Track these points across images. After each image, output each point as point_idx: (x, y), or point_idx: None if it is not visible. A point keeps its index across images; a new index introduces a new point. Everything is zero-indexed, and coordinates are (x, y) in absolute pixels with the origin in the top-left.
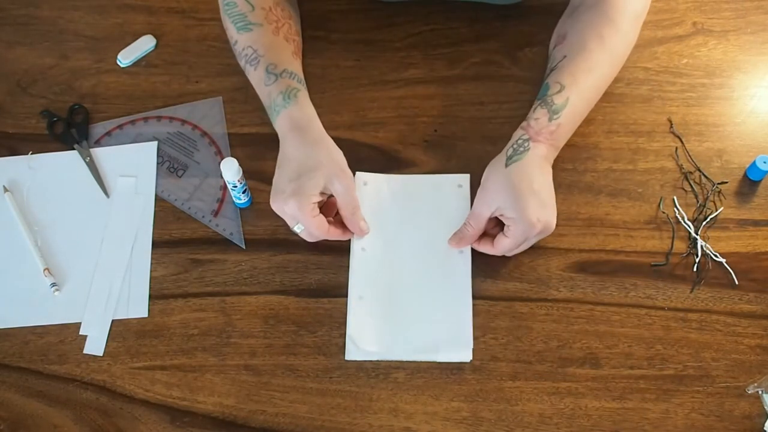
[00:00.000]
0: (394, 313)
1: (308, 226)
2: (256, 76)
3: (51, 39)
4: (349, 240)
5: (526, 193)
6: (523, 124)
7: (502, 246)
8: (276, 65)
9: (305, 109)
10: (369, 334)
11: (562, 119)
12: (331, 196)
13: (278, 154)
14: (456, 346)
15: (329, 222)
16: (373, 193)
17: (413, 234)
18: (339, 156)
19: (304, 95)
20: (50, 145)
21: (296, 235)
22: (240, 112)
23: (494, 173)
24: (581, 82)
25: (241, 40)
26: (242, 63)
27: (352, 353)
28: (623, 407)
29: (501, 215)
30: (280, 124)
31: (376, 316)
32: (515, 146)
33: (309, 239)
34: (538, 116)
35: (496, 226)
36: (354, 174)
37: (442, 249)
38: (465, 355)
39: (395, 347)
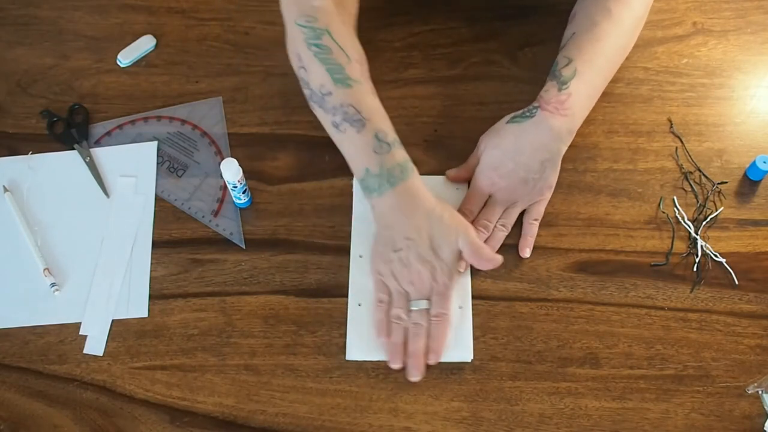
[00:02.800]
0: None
1: (443, 299)
2: (359, 140)
3: (51, 39)
4: (349, 245)
5: (499, 147)
6: (537, 97)
7: (467, 195)
8: (386, 133)
9: (419, 180)
10: (369, 338)
11: (572, 89)
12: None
13: (380, 224)
14: (457, 346)
15: None
16: None
17: None
18: (455, 211)
19: (415, 168)
20: (50, 145)
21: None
22: (240, 112)
23: (495, 125)
24: (588, 52)
25: (338, 95)
26: (336, 119)
27: (353, 354)
28: (623, 407)
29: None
30: (393, 195)
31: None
32: (524, 110)
33: (414, 332)
34: (548, 88)
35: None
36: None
37: None
38: (466, 355)
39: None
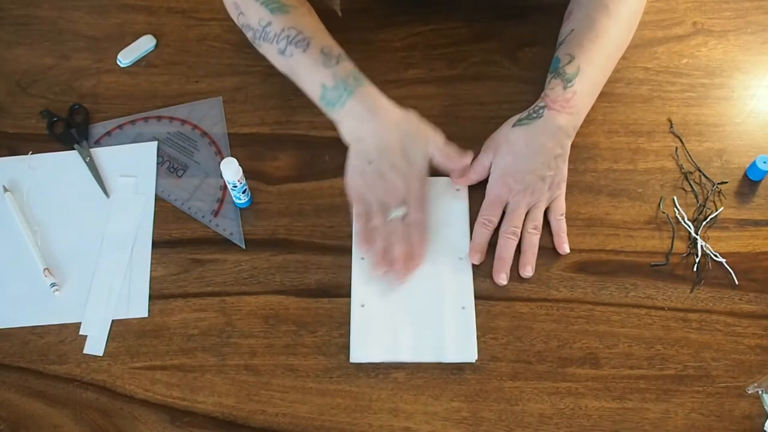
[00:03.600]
0: (396, 318)
1: (419, 205)
2: (306, 59)
3: (51, 39)
4: (351, 246)
5: (514, 155)
6: (542, 95)
7: (482, 210)
8: (331, 48)
9: (376, 90)
10: (372, 340)
11: (576, 87)
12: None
13: (348, 136)
14: (461, 347)
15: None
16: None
17: None
18: (420, 119)
19: (364, 76)
20: (50, 145)
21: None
22: (240, 112)
23: (501, 129)
24: (589, 50)
25: (276, 22)
26: (280, 45)
27: (357, 356)
28: (623, 407)
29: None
30: (354, 104)
31: (378, 322)
32: (530, 111)
33: (398, 235)
34: (553, 86)
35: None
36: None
37: (442, 253)
38: (470, 355)
39: (400, 351)
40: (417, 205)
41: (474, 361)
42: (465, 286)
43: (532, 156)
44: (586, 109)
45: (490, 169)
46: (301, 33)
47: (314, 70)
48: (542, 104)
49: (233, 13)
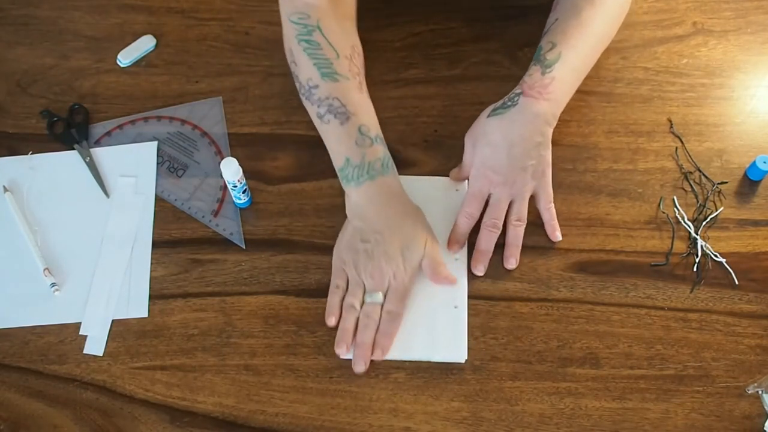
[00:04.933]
0: None
1: (399, 298)
2: (342, 132)
3: (51, 39)
4: None
5: (491, 145)
6: (519, 82)
7: (465, 203)
8: (369, 128)
9: (398, 179)
10: None
11: (556, 73)
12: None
13: (353, 215)
14: (451, 346)
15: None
16: None
17: None
18: (428, 224)
19: (394, 167)
20: (50, 145)
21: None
22: (240, 112)
23: (477, 121)
24: (572, 37)
25: (324, 88)
26: (321, 110)
27: (350, 352)
28: (623, 407)
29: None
30: (371, 188)
31: None
32: (505, 100)
33: (363, 324)
34: (531, 72)
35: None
36: None
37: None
38: (460, 355)
39: (391, 349)
40: (398, 298)
41: (463, 361)
42: (459, 285)
43: (509, 146)
44: (566, 98)
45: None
46: (344, 106)
47: (345, 143)
48: (518, 91)
49: (288, 58)
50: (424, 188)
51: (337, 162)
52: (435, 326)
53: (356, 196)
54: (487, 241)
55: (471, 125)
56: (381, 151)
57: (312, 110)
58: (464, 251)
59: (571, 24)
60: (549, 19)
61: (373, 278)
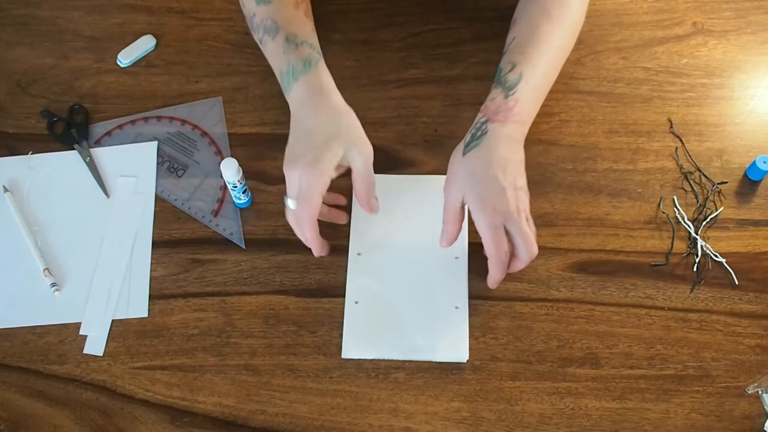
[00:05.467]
0: (389, 316)
1: (307, 201)
2: (273, 46)
3: (51, 39)
4: (347, 244)
5: (482, 181)
6: (481, 108)
7: (487, 247)
8: (297, 35)
9: (325, 76)
10: (365, 337)
11: (519, 94)
12: (345, 172)
13: (291, 122)
14: (452, 346)
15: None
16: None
17: (409, 236)
18: (358, 125)
19: (323, 65)
20: (50, 145)
21: (285, 207)
22: (240, 112)
23: (454, 162)
24: (532, 56)
25: (259, 12)
26: (259, 35)
27: (349, 352)
28: (623, 407)
29: (467, 205)
30: (298, 90)
31: (371, 319)
32: (473, 131)
33: (293, 222)
34: (494, 96)
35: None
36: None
37: (438, 252)
38: (461, 355)
39: (391, 349)
40: (304, 202)
41: (465, 361)
42: (460, 285)
43: (500, 172)
44: (532, 117)
45: (463, 209)
46: (276, 22)
47: (277, 57)
48: (483, 119)
49: (242, 7)
50: (421, 188)
51: (278, 80)
52: (436, 326)
53: (292, 104)
54: (502, 272)
55: (450, 170)
56: (306, 51)
57: (256, 40)
58: (464, 250)
59: (530, 41)
60: (507, 38)
61: (286, 183)
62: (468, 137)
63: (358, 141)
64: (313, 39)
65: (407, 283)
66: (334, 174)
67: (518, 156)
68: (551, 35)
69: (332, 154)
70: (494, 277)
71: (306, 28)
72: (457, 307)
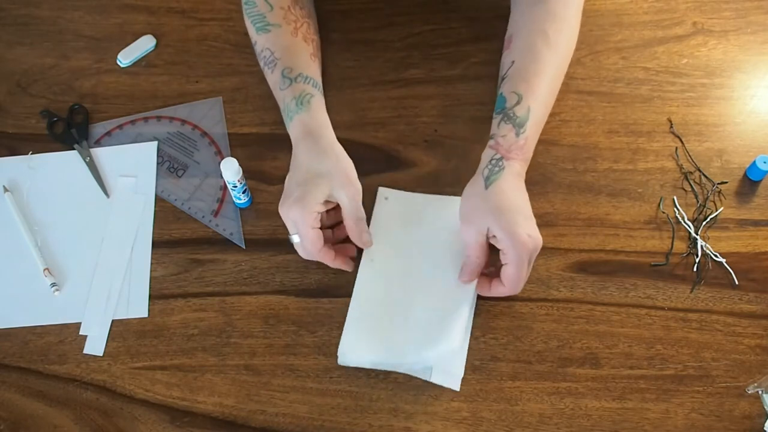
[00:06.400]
0: (391, 328)
1: (304, 236)
2: (272, 80)
3: (51, 39)
4: (361, 250)
5: (511, 211)
6: (491, 142)
7: (509, 277)
8: (292, 69)
9: (317, 115)
10: (364, 345)
11: (528, 131)
12: (336, 206)
13: (291, 159)
14: (448, 372)
15: (326, 242)
16: (392, 209)
17: (424, 255)
18: (347, 165)
19: (317, 101)
20: (50, 145)
21: (290, 241)
22: (240, 112)
23: (474, 196)
24: (536, 89)
25: (259, 42)
26: (261, 65)
27: (345, 359)
28: (623, 407)
29: (492, 238)
30: (293, 130)
31: (373, 329)
32: (490, 167)
33: (303, 254)
34: (505, 133)
35: (490, 266)
36: (376, 189)
37: (450, 274)
38: (454, 383)
39: (388, 361)
40: (304, 240)
41: (457, 390)
42: (465, 309)
43: (524, 204)
44: (532, 153)
45: (487, 244)
46: (273, 54)
47: (276, 92)
48: (498, 156)
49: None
50: (444, 208)
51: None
52: (435, 350)
53: (292, 139)
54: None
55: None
56: (299, 88)
57: (263, 70)
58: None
59: (531, 70)
60: (504, 58)
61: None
62: (486, 172)
63: (346, 181)
64: (311, 68)
65: (411, 302)
66: (321, 209)
67: (526, 194)
68: (551, 62)
69: (318, 191)
70: (484, 293)
71: (302, 58)
72: (458, 335)
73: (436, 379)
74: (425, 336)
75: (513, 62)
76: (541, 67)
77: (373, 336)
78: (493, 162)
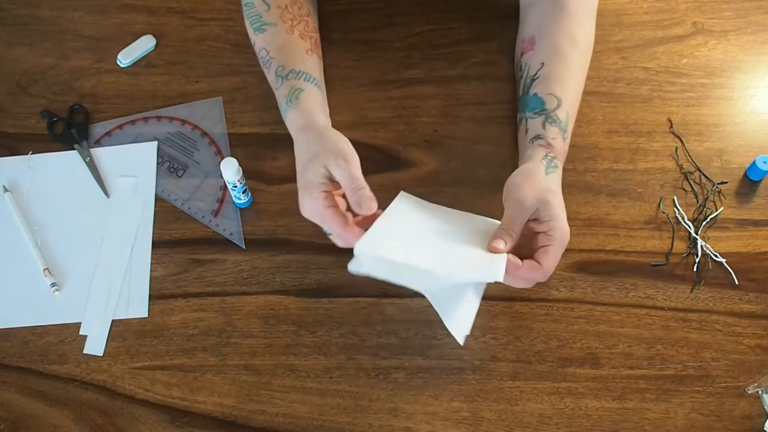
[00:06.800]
0: (417, 245)
1: (325, 219)
2: (270, 79)
3: (51, 39)
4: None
5: (562, 206)
6: (541, 142)
7: (549, 258)
8: (284, 66)
9: (306, 108)
10: (388, 243)
11: (568, 137)
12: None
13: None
14: (457, 319)
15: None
16: (411, 213)
17: (441, 244)
18: (338, 140)
19: (307, 94)
20: (50, 145)
21: (328, 237)
22: (240, 112)
23: (529, 178)
24: (570, 91)
25: (257, 42)
26: (261, 65)
27: (362, 258)
28: (623, 407)
29: (534, 222)
30: (289, 127)
31: (400, 233)
32: (546, 161)
33: (339, 242)
34: (554, 135)
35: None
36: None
37: (480, 243)
38: (460, 335)
39: (408, 263)
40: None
41: (462, 344)
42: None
43: (563, 209)
44: None
45: (524, 225)
46: (269, 53)
47: (273, 90)
48: (552, 155)
49: None
50: (465, 224)
51: None
52: (468, 249)
53: (292, 135)
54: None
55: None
56: (289, 86)
57: (263, 69)
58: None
59: (564, 74)
60: (528, 59)
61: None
62: (545, 163)
63: (338, 154)
64: (305, 64)
65: (446, 239)
66: (326, 188)
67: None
68: (580, 66)
69: (314, 173)
70: (513, 270)
71: (296, 55)
72: (473, 285)
73: (445, 317)
74: (446, 263)
75: (543, 64)
76: (572, 69)
77: (398, 240)
78: (549, 158)
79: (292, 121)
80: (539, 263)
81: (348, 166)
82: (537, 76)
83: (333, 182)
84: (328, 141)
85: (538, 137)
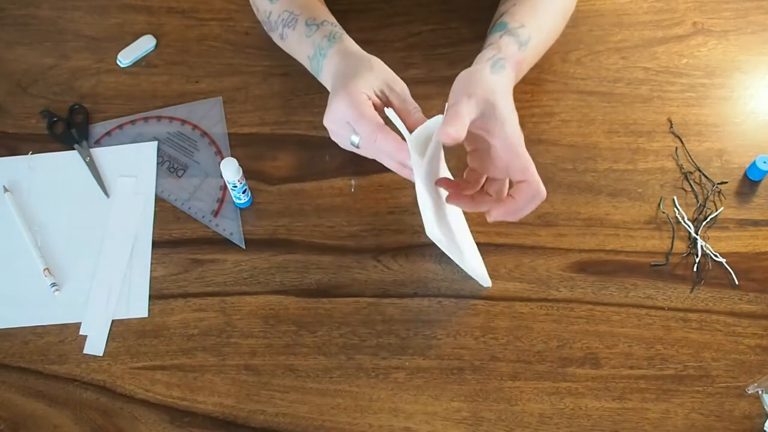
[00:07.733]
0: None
1: (360, 125)
2: (296, 35)
3: (51, 39)
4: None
5: (507, 108)
6: (491, 45)
7: (532, 172)
8: (315, 18)
9: (350, 44)
10: (437, 224)
11: (528, 53)
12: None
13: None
14: (479, 267)
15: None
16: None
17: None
18: (390, 70)
19: (345, 36)
20: (50, 145)
21: (352, 149)
22: (240, 112)
23: (476, 75)
24: (540, 19)
25: (275, 9)
26: (279, 30)
27: (430, 231)
28: (623, 407)
29: (482, 129)
30: (329, 65)
31: (436, 218)
32: (493, 60)
33: (366, 152)
34: (507, 43)
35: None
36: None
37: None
38: (485, 280)
39: (456, 247)
40: (356, 124)
41: (489, 285)
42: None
43: (514, 111)
44: (518, 80)
45: (480, 134)
46: (292, 12)
47: (301, 45)
48: (501, 56)
49: (255, 12)
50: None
51: (307, 67)
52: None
53: (327, 83)
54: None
55: (464, 78)
56: (328, 29)
57: (276, 38)
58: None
59: (537, 7)
60: (504, 3)
61: (334, 133)
62: (489, 60)
63: (393, 75)
64: (333, 19)
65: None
66: (369, 92)
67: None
68: (554, 5)
69: (363, 80)
70: (523, 212)
71: (323, 11)
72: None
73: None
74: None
75: (515, 4)
76: (546, 6)
77: (440, 222)
78: (495, 59)
79: (337, 52)
80: (524, 181)
81: (405, 89)
82: (507, 11)
83: (377, 97)
84: (384, 66)
85: (490, 45)
